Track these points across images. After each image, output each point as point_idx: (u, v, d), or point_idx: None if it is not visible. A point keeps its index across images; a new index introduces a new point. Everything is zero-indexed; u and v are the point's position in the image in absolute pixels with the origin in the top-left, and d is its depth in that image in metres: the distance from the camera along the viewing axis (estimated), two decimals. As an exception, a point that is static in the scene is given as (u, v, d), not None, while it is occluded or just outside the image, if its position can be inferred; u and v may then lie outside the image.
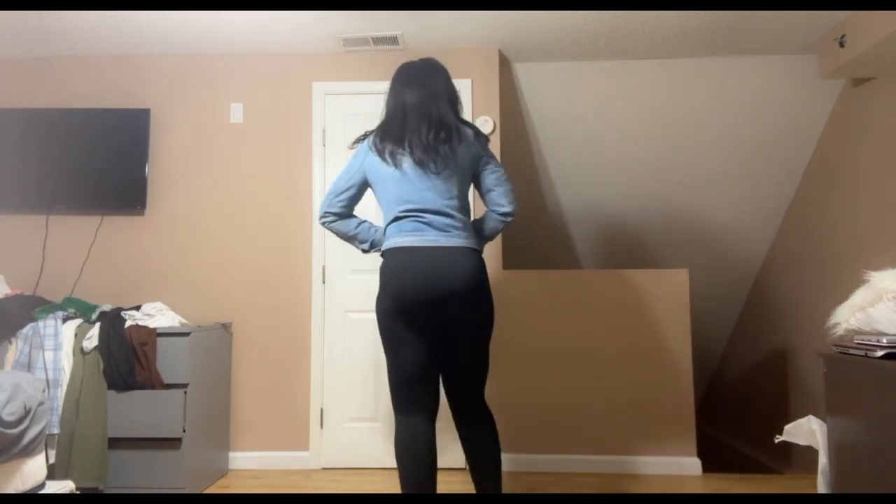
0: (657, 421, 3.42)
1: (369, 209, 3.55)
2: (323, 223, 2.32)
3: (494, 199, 2.31)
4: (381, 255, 2.23)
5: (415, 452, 2.10)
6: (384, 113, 2.33)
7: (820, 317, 3.68)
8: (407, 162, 2.18)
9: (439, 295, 2.09)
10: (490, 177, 2.30)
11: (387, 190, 2.21)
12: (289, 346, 3.56)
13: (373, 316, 3.56)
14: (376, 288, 3.56)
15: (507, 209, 2.30)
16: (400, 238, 2.15)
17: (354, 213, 2.35)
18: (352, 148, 2.39)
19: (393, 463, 3.48)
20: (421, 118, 2.21)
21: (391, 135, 2.23)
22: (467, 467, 2.34)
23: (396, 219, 2.18)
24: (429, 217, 2.16)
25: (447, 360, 2.21)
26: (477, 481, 2.25)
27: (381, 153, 2.21)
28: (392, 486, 3.17)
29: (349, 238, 2.34)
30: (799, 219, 4.11)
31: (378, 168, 2.22)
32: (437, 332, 2.16)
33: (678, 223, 4.45)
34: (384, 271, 2.16)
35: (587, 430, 3.45)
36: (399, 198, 2.18)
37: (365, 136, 2.32)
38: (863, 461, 2.00)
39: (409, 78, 2.31)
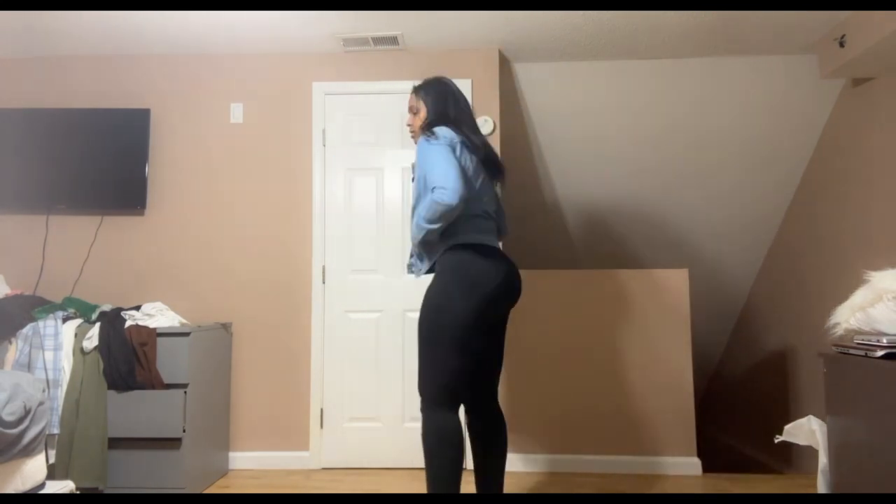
0: (657, 421, 3.42)
1: (367, 213, 3.56)
2: (456, 208, 2.08)
3: (502, 222, 2.48)
4: (453, 248, 2.18)
5: (458, 445, 2.13)
6: (456, 110, 2.32)
7: (820, 317, 3.68)
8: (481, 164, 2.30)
9: (511, 295, 2.26)
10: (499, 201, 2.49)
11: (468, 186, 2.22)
12: (289, 346, 3.56)
13: (372, 315, 3.55)
14: (376, 288, 3.56)
15: (506, 232, 2.52)
16: (481, 236, 2.23)
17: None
18: (432, 135, 2.18)
19: (392, 463, 3.48)
20: (477, 130, 2.36)
21: (476, 135, 2.30)
22: (474, 464, 2.37)
23: (474, 216, 2.23)
24: (492, 222, 2.32)
25: (490, 357, 2.34)
26: (482, 478, 2.30)
27: (475, 150, 2.25)
28: (392, 485, 3.17)
29: (438, 236, 2.22)
30: (799, 219, 4.11)
31: (469, 163, 2.23)
32: (494, 329, 2.32)
33: (678, 223, 4.45)
34: (473, 265, 2.14)
35: (587, 430, 3.45)
36: (477, 196, 2.24)
37: (435, 125, 2.25)
38: (863, 461, 2.00)
39: (459, 91, 2.41)
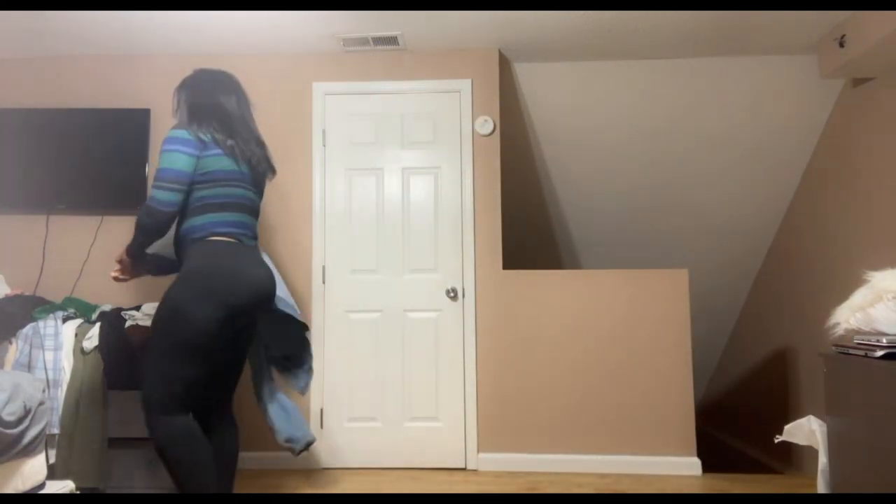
0: (657, 421, 3.42)
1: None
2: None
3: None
4: (199, 242, 2.22)
5: (206, 444, 2.13)
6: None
7: (820, 317, 3.68)
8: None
9: (263, 304, 2.30)
10: None
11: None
12: (289, 346, 3.56)
13: (372, 315, 3.56)
14: (376, 288, 3.56)
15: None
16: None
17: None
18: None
19: (392, 463, 3.48)
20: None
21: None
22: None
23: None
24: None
25: (230, 365, 2.38)
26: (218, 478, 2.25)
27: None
28: (392, 485, 3.17)
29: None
30: (799, 219, 4.11)
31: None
32: (238, 337, 2.36)
33: (678, 223, 4.45)
34: (221, 268, 2.19)
35: (587, 430, 3.45)
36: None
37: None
38: (863, 461, 2.00)
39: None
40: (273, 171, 2.46)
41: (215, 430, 2.31)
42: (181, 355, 2.08)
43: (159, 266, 2.50)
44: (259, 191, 2.41)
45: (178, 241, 2.28)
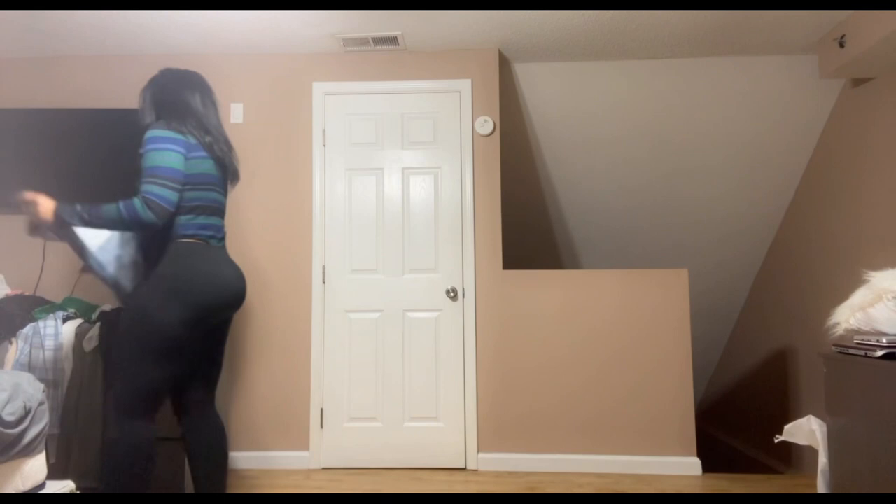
0: (657, 421, 3.42)
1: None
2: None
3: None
4: (173, 243, 2.19)
5: (153, 458, 2.16)
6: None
7: (820, 317, 3.68)
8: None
9: (236, 304, 2.32)
10: None
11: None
12: (289, 346, 3.56)
13: (373, 315, 3.56)
14: (376, 288, 3.56)
15: None
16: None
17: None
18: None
19: (393, 463, 3.48)
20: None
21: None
22: (192, 473, 2.33)
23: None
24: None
25: (207, 362, 2.38)
26: (202, 483, 2.28)
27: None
28: (392, 485, 3.17)
29: None
30: (799, 219, 4.11)
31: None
32: (214, 333, 2.36)
33: (678, 223, 4.45)
34: (194, 270, 2.18)
35: (587, 430, 3.45)
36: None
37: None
38: (863, 461, 2.00)
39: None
40: (237, 175, 2.42)
41: (200, 429, 2.30)
42: (151, 357, 2.07)
43: (72, 240, 2.20)
44: (226, 192, 2.39)
45: (145, 242, 2.24)
